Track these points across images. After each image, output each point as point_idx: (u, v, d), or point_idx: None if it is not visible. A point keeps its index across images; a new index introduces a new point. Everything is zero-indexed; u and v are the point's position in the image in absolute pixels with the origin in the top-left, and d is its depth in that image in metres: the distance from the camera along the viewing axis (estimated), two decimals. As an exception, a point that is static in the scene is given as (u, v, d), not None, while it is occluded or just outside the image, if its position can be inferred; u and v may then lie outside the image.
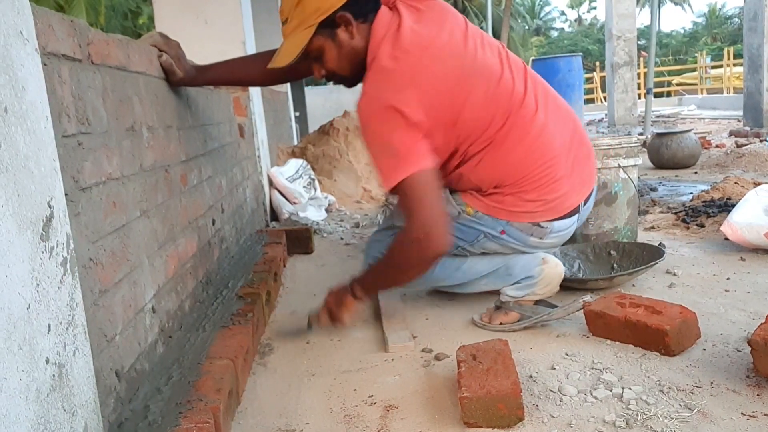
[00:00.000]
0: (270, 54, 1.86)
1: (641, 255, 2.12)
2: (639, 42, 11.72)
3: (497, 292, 1.80)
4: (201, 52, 2.16)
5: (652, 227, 2.84)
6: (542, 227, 1.72)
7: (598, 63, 19.41)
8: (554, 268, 1.75)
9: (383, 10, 1.59)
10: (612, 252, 2.20)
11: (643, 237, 2.63)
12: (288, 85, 5.97)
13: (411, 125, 1.50)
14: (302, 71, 1.80)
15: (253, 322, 1.63)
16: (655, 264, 1.99)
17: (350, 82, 1.66)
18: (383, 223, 2.05)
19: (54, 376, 0.80)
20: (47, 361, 0.79)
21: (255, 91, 3.26)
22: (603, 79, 14.82)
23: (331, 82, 1.68)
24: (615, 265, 2.17)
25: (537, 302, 1.78)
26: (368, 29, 1.57)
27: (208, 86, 1.99)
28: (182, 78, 1.62)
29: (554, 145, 1.69)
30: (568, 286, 1.91)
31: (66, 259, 0.86)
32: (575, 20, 50.17)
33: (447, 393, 1.37)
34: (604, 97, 14.36)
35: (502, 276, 1.77)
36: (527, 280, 1.75)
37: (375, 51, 1.54)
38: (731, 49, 16.63)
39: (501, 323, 1.73)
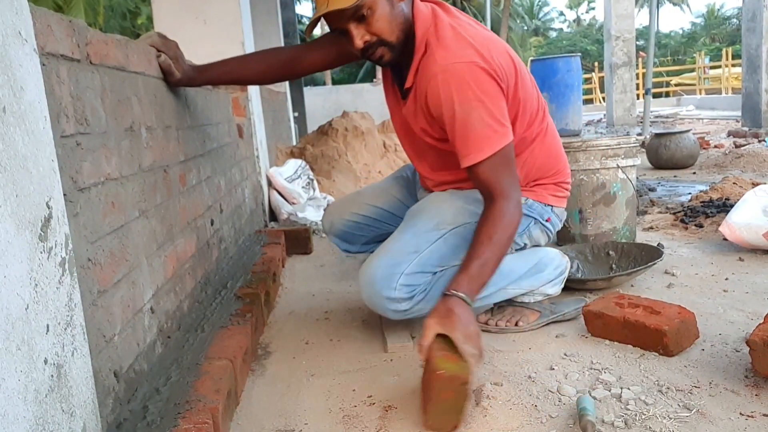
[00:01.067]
0: (268, 52, 1.85)
1: (640, 255, 2.12)
2: (638, 42, 11.74)
3: None
4: (200, 53, 2.15)
5: (651, 227, 2.84)
6: (565, 212, 1.81)
7: (596, 63, 19.45)
8: (569, 261, 1.81)
9: None
10: (611, 252, 2.21)
11: (641, 237, 2.63)
12: (287, 85, 5.97)
13: (501, 88, 1.47)
14: (303, 68, 1.78)
15: (252, 323, 1.63)
16: (653, 264, 2.00)
17: (392, 53, 1.51)
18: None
19: (52, 376, 0.80)
20: (46, 362, 0.79)
21: (254, 92, 3.26)
22: (602, 80, 14.85)
23: (367, 58, 1.52)
24: (614, 266, 2.17)
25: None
26: (411, 2, 1.53)
27: (207, 86, 1.99)
28: (180, 79, 1.61)
29: None
30: (567, 286, 1.91)
31: (64, 259, 0.86)
32: (574, 21, 50.23)
33: (446, 393, 1.37)
34: (603, 98, 14.38)
35: (532, 275, 1.72)
36: (560, 275, 1.77)
37: (429, 23, 1.51)
38: (730, 49, 16.66)
39: (528, 323, 1.71)
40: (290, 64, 1.77)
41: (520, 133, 1.60)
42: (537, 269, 1.72)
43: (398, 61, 1.56)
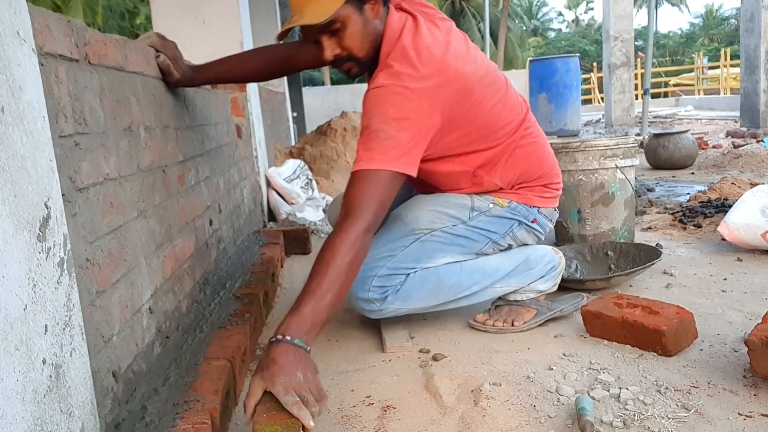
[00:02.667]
0: (265, 49, 1.86)
1: (638, 255, 2.13)
2: (636, 43, 11.75)
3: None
4: (199, 53, 2.16)
5: (649, 228, 2.85)
6: (556, 212, 1.81)
7: (595, 64, 19.45)
8: (563, 258, 1.82)
9: (392, 8, 1.57)
10: (609, 252, 2.21)
11: (640, 237, 2.63)
12: (286, 85, 5.97)
13: (424, 117, 1.45)
14: (300, 64, 1.79)
15: (251, 323, 1.62)
16: (652, 264, 2.00)
17: (360, 68, 1.55)
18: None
19: (51, 376, 0.80)
20: (44, 362, 0.79)
21: (253, 92, 3.26)
22: (600, 80, 14.86)
23: (337, 69, 1.56)
24: (612, 266, 2.17)
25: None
26: (386, 17, 1.53)
27: (206, 86, 1.99)
28: (179, 79, 1.61)
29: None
30: (566, 286, 1.92)
31: (63, 259, 0.86)
32: (573, 21, 50.26)
33: (445, 393, 1.37)
34: (602, 98, 14.39)
35: (521, 272, 1.73)
36: (552, 271, 1.77)
37: (392, 42, 1.50)
38: (728, 49, 16.71)
39: (525, 322, 1.72)
40: (287, 61, 1.80)
41: (493, 145, 1.63)
42: (526, 266, 1.73)
43: (371, 72, 1.57)
